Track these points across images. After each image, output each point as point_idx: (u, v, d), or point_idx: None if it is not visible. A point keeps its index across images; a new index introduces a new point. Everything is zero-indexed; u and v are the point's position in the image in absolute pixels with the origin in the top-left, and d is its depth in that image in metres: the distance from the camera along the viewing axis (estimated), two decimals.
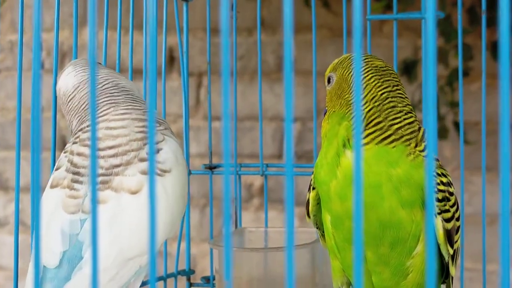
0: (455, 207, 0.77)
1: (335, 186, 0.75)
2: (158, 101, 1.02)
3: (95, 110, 0.47)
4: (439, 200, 0.75)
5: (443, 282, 0.82)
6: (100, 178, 0.74)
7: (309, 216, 0.81)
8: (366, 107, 0.75)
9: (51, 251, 0.72)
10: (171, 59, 1.67)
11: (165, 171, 0.76)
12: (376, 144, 0.73)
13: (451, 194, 0.76)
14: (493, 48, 1.49)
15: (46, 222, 0.73)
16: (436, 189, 0.75)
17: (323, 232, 0.80)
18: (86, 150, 0.76)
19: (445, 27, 1.49)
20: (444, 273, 0.80)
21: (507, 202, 0.44)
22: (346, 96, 0.76)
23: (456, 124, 1.48)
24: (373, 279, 0.78)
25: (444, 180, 0.76)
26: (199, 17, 1.44)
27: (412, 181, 0.73)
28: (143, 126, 0.77)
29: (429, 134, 0.46)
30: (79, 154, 0.76)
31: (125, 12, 0.94)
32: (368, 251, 0.76)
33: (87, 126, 0.77)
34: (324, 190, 0.76)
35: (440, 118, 1.52)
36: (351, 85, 0.76)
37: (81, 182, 0.75)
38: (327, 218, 0.77)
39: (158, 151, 0.76)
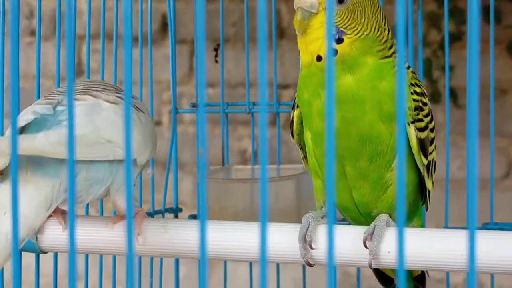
0: (429, 117, 0.77)
1: (317, 105, 0.75)
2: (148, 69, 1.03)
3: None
4: (412, 109, 0.75)
5: (423, 203, 0.82)
6: (77, 93, 0.79)
7: (293, 136, 0.82)
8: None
9: (26, 113, 0.76)
10: (164, 26, 1.67)
11: (140, 110, 0.81)
12: (378, 58, 0.74)
13: (425, 104, 0.77)
14: (485, 12, 1.49)
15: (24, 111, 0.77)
16: (409, 98, 0.75)
17: (306, 154, 0.81)
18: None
19: None
20: (423, 194, 0.81)
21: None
22: (370, 15, 0.75)
23: (451, 90, 1.48)
24: (354, 195, 0.79)
25: (418, 90, 0.77)
26: None
27: (394, 94, 0.73)
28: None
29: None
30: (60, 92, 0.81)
31: None
32: (348, 166, 0.76)
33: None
34: (307, 110, 0.77)
35: (433, 82, 1.53)
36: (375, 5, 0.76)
37: (59, 94, 0.79)
38: (308, 136, 0.78)
39: (133, 97, 0.82)
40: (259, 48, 0.44)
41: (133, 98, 0.83)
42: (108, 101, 0.78)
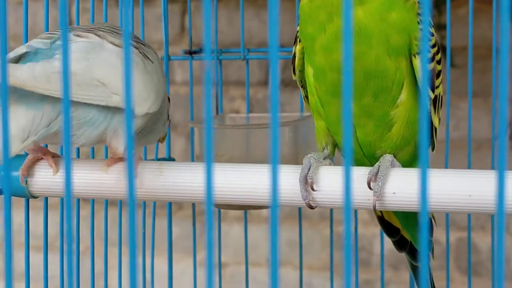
0: (435, 49, 0.75)
1: (322, 39, 0.73)
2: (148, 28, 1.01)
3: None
4: (418, 39, 0.72)
5: (430, 143, 0.81)
6: (83, 30, 0.76)
7: (294, 73, 0.80)
8: None
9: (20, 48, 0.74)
10: None
11: (148, 58, 0.78)
12: None
13: (432, 34, 0.75)
14: None
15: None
16: (415, 27, 0.72)
17: (307, 93, 0.79)
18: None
19: None
20: (430, 134, 0.79)
21: None
22: None
23: (444, 48, 1.47)
24: (358, 133, 0.77)
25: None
26: None
27: (403, 26, 0.71)
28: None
29: None
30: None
31: None
32: (352, 103, 0.73)
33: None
34: (309, 44, 0.75)
35: None
36: None
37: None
38: (310, 72, 0.76)
39: (144, 45, 0.80)
40: None
41: (144, 45, 0.80)
42: (113, 43, 0.75)
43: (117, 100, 0.72)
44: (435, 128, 0.79)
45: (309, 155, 0.74)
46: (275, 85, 0.43)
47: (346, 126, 0.43)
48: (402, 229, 0.91)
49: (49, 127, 0.70)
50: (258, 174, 0.73)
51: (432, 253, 0.92)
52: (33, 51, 0.73)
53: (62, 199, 0.87)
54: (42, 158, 0.79)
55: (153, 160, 0.97)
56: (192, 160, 0.99)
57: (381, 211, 0.90)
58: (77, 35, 0.74)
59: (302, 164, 0.74)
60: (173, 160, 1.00)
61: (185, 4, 1.64)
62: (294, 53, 0.78)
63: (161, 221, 1.06)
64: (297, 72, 0.79)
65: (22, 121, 0.69)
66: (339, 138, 0.78)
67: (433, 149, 0.81)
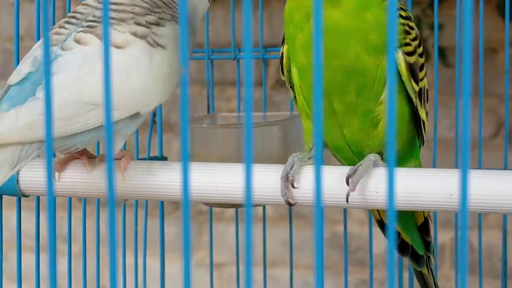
0: (416, 42, 0.75)
1: (300, 39, 0.74)
2: None
3: None
4: (399, 33, 0.73)
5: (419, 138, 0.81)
6: (87, 23, 0.73)
7: (283, 73, 0.80)
8: None
9: (19, 71, 0.71)
10: None
11: (158, 45, 0.74)
12: None
13: (412, 28, 0.75)
14: None
15: (29, 53, 0.73)
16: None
17: (296, 94, 0.79)
18: (93, 2, 0.76)
19: None
20: (419, 131, 0.79)
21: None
22: None
23: (441, 49, 1.47)
24: (345, 132, 0.77)
25: (403, 14, 0.75)
26: None
27: (380, 24, 0.71)
28: (154, 4, 0.76)
29: None
30: (84, 4, 0.76)
31: None
32: (335, 101, 0.75)
33: None
34: (291, 44, 0.76)
35: (422, 41, 1.51)
36: None
37: (72, 23, 0.74)
38: (294, 72, 0.77)
39: (159, 24, 0.75)
40: None
41: (151, 26, 0.74)
42: (115, 45, 0.71)
43: (115, 114, 0.70)
44: (423, 122, 0.78)
45: (293, 154, 0.74)
46: (249, 84, 0.43)
47: (317, 120, 0.44)
48: (402, 232, 0.90)
49: (42, 148, 0.69)
50: (237, 173, 0.74)
51: (433, 254, 0.91)
52: (33, 71, 0.71)
53: (58, 198, 0.87)
54: (77, 158, 0.78)
55: (145, 158, 0.98)
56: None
57: (379, 215, 0.90)
58: (77, 40, 0.72)
59: (290, 157, 0.75)
60: (165, 159, 1.00)
61: None
62: (282, 53, 0.79)
63: (157, 221, 1.07)
64: (285, 72, 0.80)
65: (11, 149, 0.67)
66: (325, 136, 0.79)
67: (422, 144, 0.81)
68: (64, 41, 0.72)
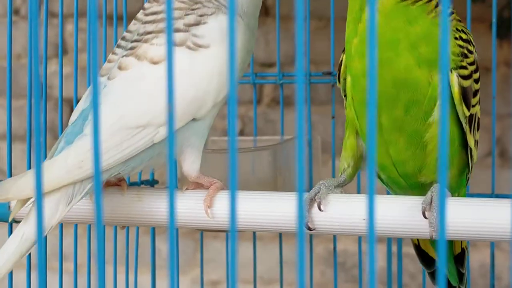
0: (474, 67, 0.73)
1: (355, 43, 0.72)
2: None
3: None
4: (456, 55, 0.71)
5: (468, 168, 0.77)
6: (131, 44, 0.72)
7: (339, 81, 0.78)
8: None
9: (77, 108, 0.72)
10: None
11: (200, 46, 0.71)
12: (398, 2, 0.70)
13: (470, 52, 0.72)
14: None
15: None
16: (453, 43, 0.70)
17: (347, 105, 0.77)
18: (141, 15, 0.74)
19: None
20: (468, 158, 0.76)
21: None
22: None
23: None
24: (391, 151, 0.74)
25: (464, 36, 0.72)
26: None
27: (431, 39, 0.69)
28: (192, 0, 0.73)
29: None
30: (135, 19, 0.75)
31: None
32: (383, 115, 0.72)
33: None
34: (348, 49, 0.74)
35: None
36: None
37: (122, 47, 0.74)
38: (348, 81, 0.75)
39: (199, 23, 0.72)
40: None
41: (191, 27, 0.72)
42: (152, 61, 0.70)
43: (163, 133, 0.69)
44: (471, 149, 0.75)
45: (320, 182, 0.73)
46: (234, 110, 0.44)
47: (370, 133, 0.43)
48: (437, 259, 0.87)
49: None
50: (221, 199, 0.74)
51: (466, 286, 0.88)
52: (75, 119, 0.71)
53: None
54: (117, 185, 0.77)
55: (136, 183, 0.98)
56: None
57: (417, 239, 0.87)
58: (119, 67, 0.71)
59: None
60: (157, 182, 1.01)
61: None
62: (341, 60, 0.76)
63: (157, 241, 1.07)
64: (341, 80, 0.77)
65: (65, 187, 0.68)
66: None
67: (469, 172, 0.78)
68: (112, 69, 0.72)
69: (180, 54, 0.70)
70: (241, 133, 1.58)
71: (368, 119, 0.42)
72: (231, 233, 0.44)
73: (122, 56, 0.72)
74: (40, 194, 0.45)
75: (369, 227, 0.42)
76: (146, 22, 0.73)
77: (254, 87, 1.04)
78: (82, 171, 0.67)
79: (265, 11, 1.65)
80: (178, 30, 0.71)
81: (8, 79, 0.87)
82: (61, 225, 0.94)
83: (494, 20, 0.94)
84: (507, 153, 1.56)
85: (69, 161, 0.68)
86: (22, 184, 0.67)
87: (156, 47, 0.70)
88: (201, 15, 0.72)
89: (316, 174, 0.96)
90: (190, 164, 0.72)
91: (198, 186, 0.74)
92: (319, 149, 1.00)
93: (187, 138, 0.72)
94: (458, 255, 0.85)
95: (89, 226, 0.97)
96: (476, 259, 1.50)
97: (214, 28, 0.71)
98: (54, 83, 1.24)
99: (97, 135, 0.44)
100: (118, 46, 0.74)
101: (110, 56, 0.74)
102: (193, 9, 0.72)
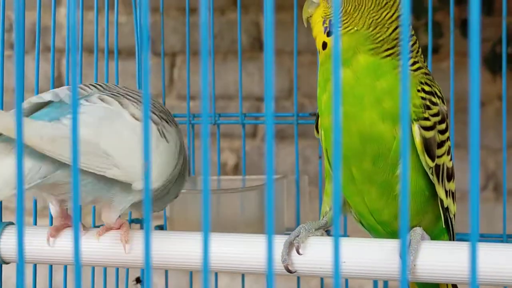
0: (438, 118, 0.73)
1: (325, 100, 0.74)
2: (132, 82, 1.04)
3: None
4: (417, 106, 0.72)
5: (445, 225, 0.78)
6: (111, 92, 0.77)
7: (317, 131, 0.79)
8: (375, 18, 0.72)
9: (39, 96, 0.75)
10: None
11: (164, 136, 0.77)
12: (370, 56, 0.71)
13: (434, 103, 0.72)
14: (462, 25, 1.50)
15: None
16: (415, 95, 0.71)
17: None
18: (114, 85, 0.81)
19: (417, 5, 1.50)
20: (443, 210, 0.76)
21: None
22: (367, 12, 0.73)
23: None
24: (366, 200, 0.76)
25: (427, 88, 0.73)
26: None
27: (395, 93, 0.70)
28: (163, 109, 0.81)
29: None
30: (107, 84, 0.80)
31: None
32: (353, 167, 0.73)
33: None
34: (319, 105, 0.76)
35: None
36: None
37: (96, 87, 0.78)
38: (322, 134, 0.77)
39: (167, 121, 0.79)
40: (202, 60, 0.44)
41: (167, 121, 0.79)
42: (133, 116, 0.74)
43: (116, 173, 0.72)
44: (441, 200, 0.76)
45: (300, 225, 0.74)
46: (206, 150, 0.45)
47: (335, 177, 0.45)
48: None
49: (45, 178, 0.70)
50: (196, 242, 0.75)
51: None
52: (56, 101, 0.74)
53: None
54: (69, 226, 0.79)
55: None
56: (164, 224, 1.01)
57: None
58: (101, 99, 0.75)
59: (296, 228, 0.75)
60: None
61: (173, 57, 1.67)
62: (317, 113, 0.78)
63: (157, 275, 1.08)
64: (319, 130, 0.79)
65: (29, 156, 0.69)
66: (349, 202, 0.78)
67: (449, 220, 0.78)
68: (89, 96, 0.75)
69: (154, 129, 0.76)
70: (236, 167, 1.59)
71: (333, 171, 0.43)
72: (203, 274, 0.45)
73: (102, 94, 0.76)
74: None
75: (334, 272, 0.42)
76: (125, 92, 0.78)
77: (243, 127, 1.05)
78: (52, 148, 0.68)
79: (259, 46, 1.67)
80: (154, 113, 0.77)
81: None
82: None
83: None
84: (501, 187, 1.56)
85: (45, 132, 0.69)
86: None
87: (137, 109, 0.75)
88: (168, 120, 0.80)
89: (303, 213, 0.97)
90: (115, 215, 0.77)
91: (109, 230, 0.78)
92: (306, 188, 1.01)
93: (119, 195, 0.75)
94: None
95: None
96: None
97: (173, 134, 0.79)
98: None
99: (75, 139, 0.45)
100: (93, 86, 0.78)
101: (82, 86, 0.77)
102: (164, 113, 0.80)
